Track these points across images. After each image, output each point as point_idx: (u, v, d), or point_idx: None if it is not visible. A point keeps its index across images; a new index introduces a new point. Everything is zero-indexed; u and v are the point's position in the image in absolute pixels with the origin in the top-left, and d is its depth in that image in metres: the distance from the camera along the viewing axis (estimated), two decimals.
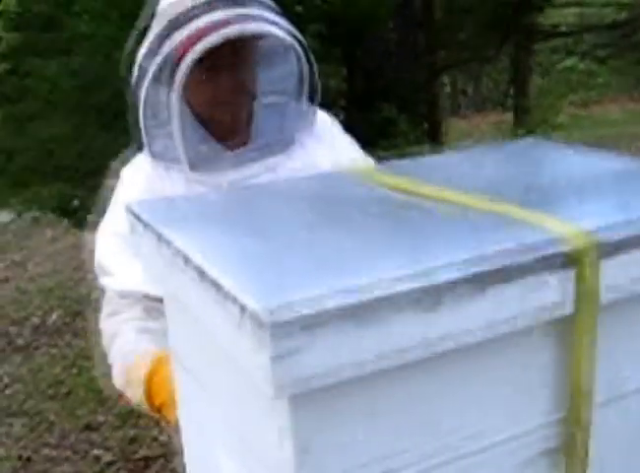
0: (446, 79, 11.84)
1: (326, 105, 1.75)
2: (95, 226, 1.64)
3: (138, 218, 1.00)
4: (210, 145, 1.62)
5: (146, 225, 0.97)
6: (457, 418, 0.79)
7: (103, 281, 1.55)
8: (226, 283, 0.71)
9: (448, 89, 13.79)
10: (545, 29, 5.83)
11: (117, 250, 1.48)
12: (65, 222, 4.91)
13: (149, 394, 1.40)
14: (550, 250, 0.75)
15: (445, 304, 0.69)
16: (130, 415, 3.73)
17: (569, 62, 12.64)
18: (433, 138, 5.11)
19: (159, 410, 1.41)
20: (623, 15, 6.62)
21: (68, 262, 6.05)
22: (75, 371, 4.30)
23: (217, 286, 0.72)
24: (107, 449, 3.49)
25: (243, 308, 0.66)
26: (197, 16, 1.46)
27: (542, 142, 1.26)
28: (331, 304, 0.64)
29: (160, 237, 0.91)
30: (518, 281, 0.73)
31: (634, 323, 0.87)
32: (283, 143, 1.65)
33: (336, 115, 1.93)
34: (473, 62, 6.44)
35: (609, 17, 9.96)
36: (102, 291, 1.59)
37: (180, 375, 1.09)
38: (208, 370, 0.93)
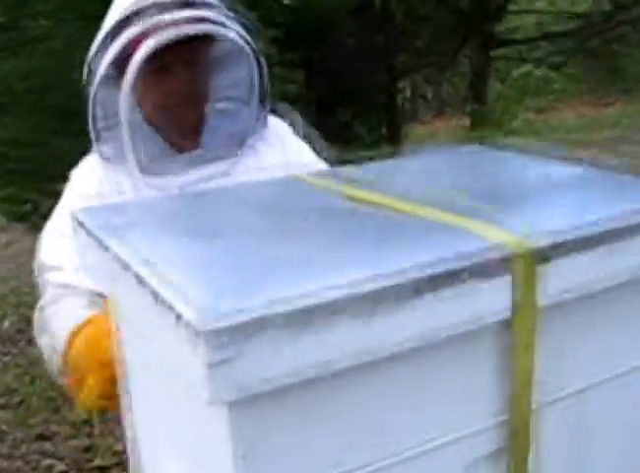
0: (407, 84, 11.92)
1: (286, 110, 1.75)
2: None
3: (81, 224, 0.99)
4: (160, 148, 1.60)
5: (88, 231, 0.96)
6: (400, 422, 0.79)
7: (46, 276, 1.51)
8: (164, 291, 0.71)
9: (408, 93, 13.89)
10: (502, 36, 5.91)
11: (63, 249, 1.44)
12: (20, 226, 4.84)
13: (67, 369, 1.33)
14: (485, 257, 0.76)
15: (380, 311, 0.70)
16: (84, 424, 3.68)
17: (525, 68, 12.81)
18: (392, 142, 5.14)
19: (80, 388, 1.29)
20: (577, 23, 6.74)
21: (23, 267, 5.95)
22: (28, 379, 4.23)
23: (154, 293, 0.72)
24: (60, 459, 3.44)
25: (179, 317, 0.66)
26: (147, 16, 1.46)
27: (487, 149, 1.28)
28: (265, 311, 0.65)
29: (100, 244, 0.90)
30: (452, 288, 0.74)
31: (573, 326, 0.89)
32: (234, 147, 1.65)
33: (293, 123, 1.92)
34: (432, 67, 6.49)
35: (565, 25, 10.13)
36: (42, 288, 1.55)
37: (126, 381, 1.08)
38: (150, 375, 0.93)
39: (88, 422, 3.71)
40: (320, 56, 4.50)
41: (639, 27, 5.88)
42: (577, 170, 1.12)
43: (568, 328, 0.88)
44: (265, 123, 1.69)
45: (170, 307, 0.68)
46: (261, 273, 0.74)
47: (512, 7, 5.64)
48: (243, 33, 1.55)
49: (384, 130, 5.29)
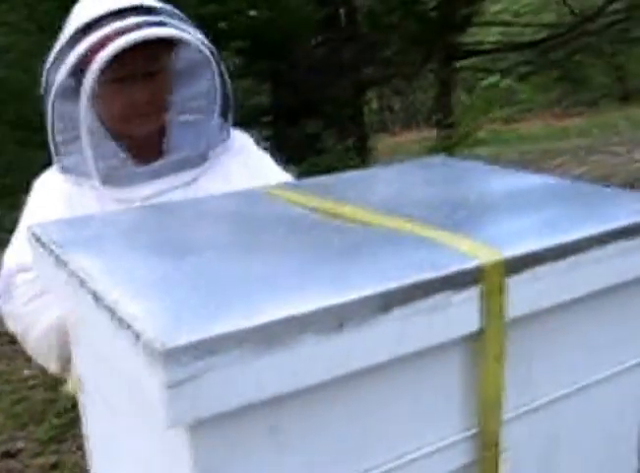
0: (373, 95, 11.95)
1: (250, 122, 1.73)
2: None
3: (37, 239, 0.96)
4: (121, 159, 1.57)
5: (44, 246, 0.93)
6: (370, 439, 0.77)
7: (24, 276, 1.45)
8: (121, 309, 0.68)
9: (375, 105, 13.92)
10: (468, 47, 5.94)
11: None
12: None
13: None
14: (455, 268, 0.75)
15: (347, 326, 0.68)
16: (51, 440, 3.60)
17: (492, 79, 12.91)
18: (360, 154, 5.13)
19: None
20: (543, 34, 6.79)
21: None
22: None
23: (111, 311, 0.69)
24: None
25: (137, 336, 0.63)
26: (104, 24, 1.43)
27: (453, 160, 1.27)
28: (228, 328, 0.62)
29: (57, 259, 0.87)
30: (422, 300, 0.72)
31: (541, 337, 0.87)
32: (197, 158, 1.62)
33: (259, 132, 1.90)
34: (399, 79, 6.50)
35: (531, 36, 10.22)
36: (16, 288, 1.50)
37: (86, 400, 1.05)
38: (106, 394, 0.90)
39: (55, 438, 3.64)
40: (287, 68, 4.48)
41: (604, 37, 5.95)
42: (546, 181, 1.11)
43: (536, 340, 0.87)
44: (228, 134, 1.66)
45: (128, 326, 0.65)
46: (224, 290, 0.71)
47: (478, 19, 5.67)
48: (204, 39, 1.53)
49: (351, 142, 5.29)
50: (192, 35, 1.49)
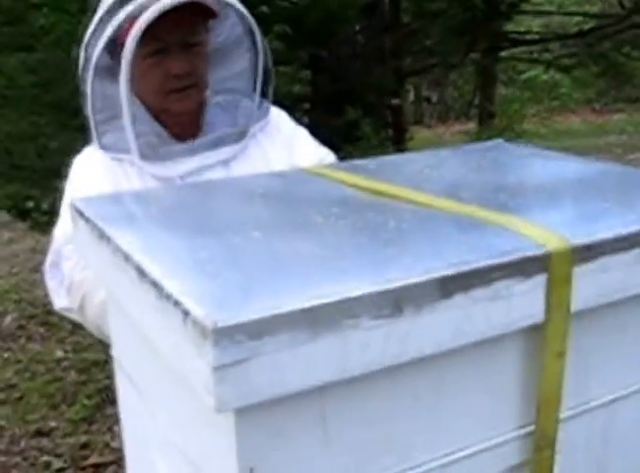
0: (410, 88, 11.87)
1: (290, 108, 1.70)
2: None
3: (80, 213, 0.93)
4: (160, 136, 1.54)
5: (87, 220, 0.90)
6: (419, 434, 0.73)
7: (68, 249, 1.42)
8: (168, 285, 0.64)
9: (412, 97, 13.84)
10: (512, 36, 5.84)
11: None
12: (22, 225, 4.77)
13: None
14: (521, 254, 0.70)
15: (405, 311, 0.63)
16: (82, 421, 3.62)
17: (532, 73, 12.74)
18: (397, 144, 5.07)
19: None
20: (589, 24, 6.66)
21: (24, 264, 5.91)
22: (28, 375, 4.18)
23: (157, 287, 0.66)
24: (58, 456, 3.38)
25: (186, 313, 0.60)
26: None
27: (507, 144, 1.22)
28: (282, 309, 0.58)
29: (101, 234, 0.84)
30: (485, 287, 0.68)
31: (604, 334, 0.82)
32: (235, 136, 1.59)
33: (299, 119, 1.87)
34: (438, 70, 6.42)
35: (575, 26, 10.04)
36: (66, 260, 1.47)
37: (122, 382, 1.02)
38: (147, 375, 0.87)
39: (86, 419, 3.67)
40: (327, 54, 4.44)
41: None
42: (608, 168, 1.06)
43: (597, 336, 0.82)
44: (267, 113, 1.63)
45: (176, 303, 0.61)
46: (274, 270, 0.68)
47: (523, 7, 5.57)
48: (245, 10, 1.49)
49: (390, 131, 5.23)
50: (234, 0, 1.46)
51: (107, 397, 3.55)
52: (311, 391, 0.62)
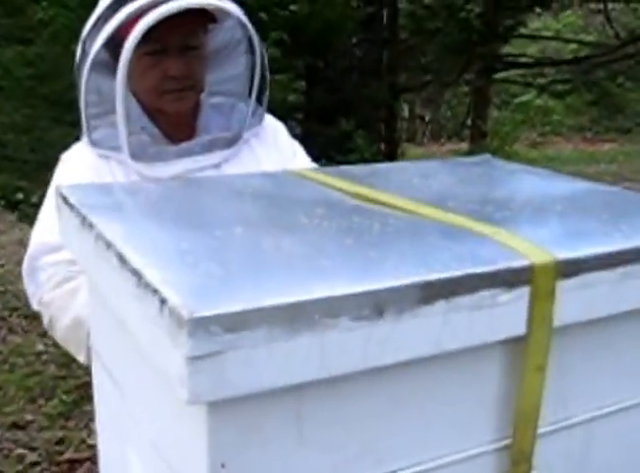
0: (405, 105, 11.91)
1: (283, 116, 1.69)
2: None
3: (65, 200, 0.92)
4: (153, 136, 1.53)
5: (72, 207, 0.89)
6: (395, 439, 0.72)
7: (48, 259, 1.42)
8: (148, 273, 0.64)
9: (406, 114, 13.88)
10: (507, 59, 5.87)
11: None
12: (10, 216, 4.75)
13: None
14: (504, 265, 0.70)
15: (387, 313, 0.63)
16: (60, 416, 3.60)
17: (525, 97, 12.81)
18: (389, 159, 5.08)
19: None
20: (584, 52, 6.71)
21: (11, 257, 5.87)
22: (7, 367, 4.16)
23: (137, 275, 0.65)
24: (33, 449, 3.35)
25: (163, 301, 0.59)
26: None
27: (495, 159, 1.22)
28: (260, 304, 0.58)
29: (83, 221, 0.83)
30: (467, 295, 0.67)
31: (587, 351, 0.82)
32: (228, 140, 1.58)
33: (291, 128, 1.87)
34: (432, 88, 6.44)
35: (570, 53, 10.10)
36: (41, 271, 1.46)
37: (99, 373, 1.01)
38: (123, 366, 0.86)
39: (63, 414, 3.64)
40: (324, 65, 4.44)
41: None
42: (594, 187, 1.06)
43: (579, 352, 0.82)
44: (261, 119, 1.63)
45: (155, 291, 0.61)
46: (257, 266, 0.67)
47: (520, 31, 5.61)
48: (245, 17, 1.49)
49: (382, 146, 5.24)
50: (233, 6, 1.46)
51: (86, 393, 3.52)
52: (287, 389, 0.61)
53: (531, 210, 0.93)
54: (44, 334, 4.65)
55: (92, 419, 3.58)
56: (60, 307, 1.37)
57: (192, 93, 1.54)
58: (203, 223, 0.83)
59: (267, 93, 1.60)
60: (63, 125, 3.75)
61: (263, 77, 1.58)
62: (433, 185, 1.03)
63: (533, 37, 6.88)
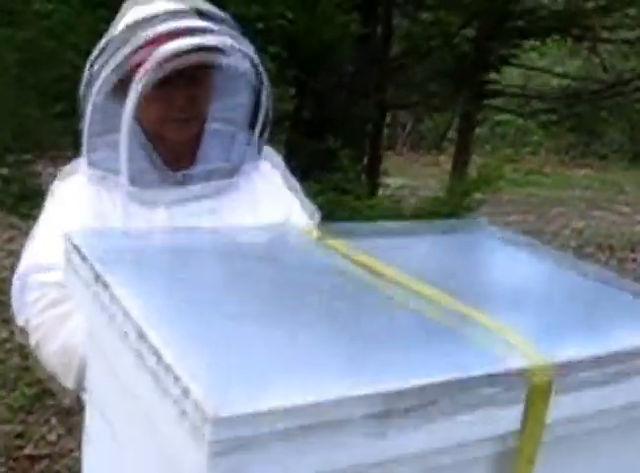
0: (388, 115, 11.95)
1: (273, 125, 1.71)
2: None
3: (76, 248, 0.94)
4: (153, 162, 1.55)
5: (84, 259, 0.91)
6: None
7: (38, 277, 1.43)
8: (169, 356, 0.66)
9: (388, 119, 13.93)
10: (497, 87, 5.94)
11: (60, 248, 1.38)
12: None
13: None
14: (505, 367, 0.73)
15: (393, 426, 0.66)
16: (20, 409, 3.58)
17: (508, 116, 12.95)
18: (371, 175, 5.12)
19: None
20: (571, 84, 6.81)
21: None
22: None
23: (157, 355, 0.67)
24: None
25: (186, 391, 0.61)
26: (159, 23, 1.41)
27: (490, 228, 1.25)
28: (279, 403, 0.60)
29: (97, 277, 0.85)
30: (468, 395, 0.71)
31: (574, 449, 0.86)
32: (227, 171, 1.60)
33: (277, 140, 1.89)
34: (420, 108, 6.49)
35: (555, 83, 10.22)
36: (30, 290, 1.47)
37: (95, 420, 1.02)
38: (128, 431, 0.87)
39: (24, 407, 3.62)
40: (315, 80, 4.46)
41: (634, 100, 5.94)
42: (592, 279, 1.10)
43: (569, 450, 0.85)
44: (261, 152, 1.65)
45: (176, 379, 0.63)
46: (273, 358, 0.69)
47: (513, 60, 5.68)
48: (255, 54, 1.51)
49: (365, 161, 5.27)
50: (247, 47, 1.48)
51: (49, 388, 3.51)
52: None
53: (531, 299, 0.97)
54: (9, 321, 4.60)
55: (53, 414, 3.58)
56: (48, 333, 1.38)
57: (195, 123, 1.56)
58: (218, 296, 0.85)
59: (269, 128, 1.63)
60: (48, 115, 3.73)
61: (267, 113, 1.60)
62: (437, 260, 1.06)
63: (522, 67, 6.96)
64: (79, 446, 1.13)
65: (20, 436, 3.43)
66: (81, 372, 1.30)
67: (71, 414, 3.50)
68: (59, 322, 1.36)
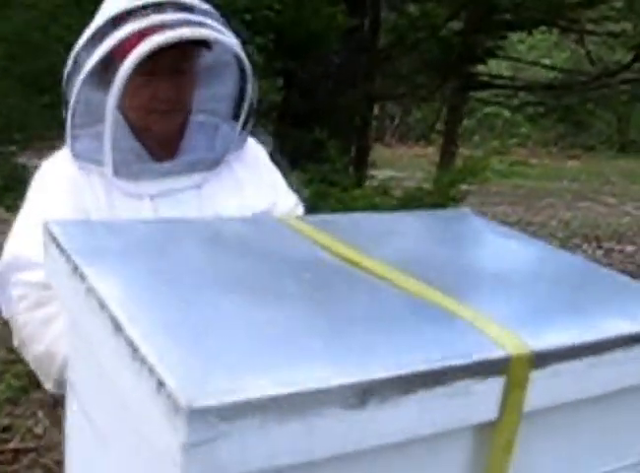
0: (376, 106, 11.95)
1: (259, 116, 1.71)
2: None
3: (54, 240, 0.93)
4: (137, 153, 1.55)
5: (62, 251, 0.90)
6: None
7: (22, 276, 1.42)
8: (145, 348, 0.66)
9: (375, 111, 13.96)
10: (484, 79, 5.95)
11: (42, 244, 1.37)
12: None
13: None
14: (483, 356, 0.73)
15: (371, 402, 0.66)
16: (7, 402, 3.56)
17: (494, 108, 12.97)
18: (358, 167, 5.12)
19: None
20: (558, 76, 6.83)
21: None
22: None
23: (133, 347, 0.67)
24: None
25: (161, 383, 0.61)
26: (142, 15, 1.40)
27: (474, 218, 1.25)
28: (254, 394, 0.60)
29: (75, 270, 0.85)
30: (446, 385, 0.71)
31: (551, 435, 0.86)
32: (210, 162, 1.60)
33: (264, 131, 1.89)
34: (407, 100, 6.49)
35: (542, 75, 10.24)
36: (13, 286, 1.46)
37: (75, 409, 1.02)
38: (108, 421, 0.87)
39: (10, 399, 3.60)
40: (302, 71, 4.46)
41: (621, 92, 5.98)
42: (574, 261, 1.10)
43: (547, 436, 0.86)
44: (244, 142, 1.65)
45: (151, 370, 0.63)
46: (250, 346, 0.69)
47: (499, 52, 5.69)
48: (240, 45, 1.51)
49: (353, 151, 5.27)
50: (230, 39, 1.48)
51: (35, 380, 3.48)
52: (271, 471, 0.64)
53: (508, 286, 0.96)
54: None
55: (39, 407, 3.56)
56: (32, 336, 1.38)
57: (179, 114, 1.56)
58: (195, 284, 0.85)
59: (252, 119, 1.63)
60: (33, 107, 3.71)
61: (251, 103, 1.60)
62: (416, 250, 1.06)
63: (508, 59, 6.97)
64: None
65: (6, 429, 3.41)
66: (60, 377, 1.31)
67: (58, 407, 3.49)
68: (44, 326, 1.36)
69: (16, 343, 1.43)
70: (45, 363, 1.36)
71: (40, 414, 3.54)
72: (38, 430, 3.41)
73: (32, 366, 1.41)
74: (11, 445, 3.29)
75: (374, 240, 1.06)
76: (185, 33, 1.39)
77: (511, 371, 0.75)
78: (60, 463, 3.14)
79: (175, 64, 1.47)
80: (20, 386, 3.71)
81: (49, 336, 1.35)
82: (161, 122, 1.53)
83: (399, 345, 0.73)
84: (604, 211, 9.52)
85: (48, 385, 1.39)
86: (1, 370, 3.86)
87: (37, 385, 3.63)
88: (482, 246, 1.14)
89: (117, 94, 1.39)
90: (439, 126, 13.62)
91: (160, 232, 1.02)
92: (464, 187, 3.59)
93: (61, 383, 1.31)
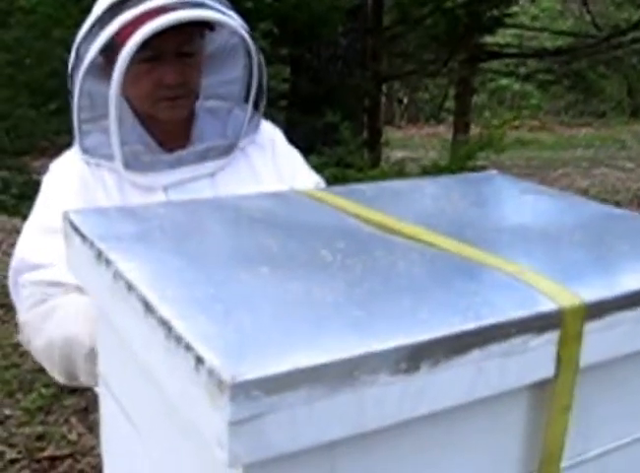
0: (384, 88, 11.89)
1: (268, 104, 1.67)
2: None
3: (76, 229, 0.90)
4: (147, 144, 1.51)
5: (84, 238, 0.87)
6: None
7: (29, 277, 1.40)
8: (179, 325, 0.62)
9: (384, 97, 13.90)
10: (491, 49, 5.88)
11: (51, 246, 1.34)
12: None
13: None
14: (536, 310, 0.69)
15: (423, 366, 0.62)
16: (39, 410, 3.56)
17: (504, 81, 12.87)
18: (372, 148, 5.07)
19: None
20: (566, 42, 6.72)
21: None
22: None
23: (167, 326, 0.63)
24: (12, 446, 3.30)
25: (199, 360, 0.57)
26: (141, 1, 1.36)
27: (501, 178, 1.21)
28: (300, 364, 0.56)
29: (99, 255, 0.81)
30: (500, 343, 0.66)
31: (606, 388, 0.82)
32: (224, 148, 1.56)
33: (275, 120, 1.85)
34: (416, 77, 6.43)
35: (549, 42, 10.13)
36: (22, 287, 1.44)
37: (109, 404, 0.99)
38: (145, 412, 0.84)
39: (42, 408, 3.60)
40: (309, 54, 4.42)
41: (630, 52, 5.89)
42: (606, 211, 1.06)
43: (599, 389, 0.82)
44: (258, 126, 1.61)
45: (188, 347, 0.59)
46: (289, 316, 0.65)
47: (506, 21, 5.61)
48: (245, 26, 1.47)
49: (365, 133, 5.23)
50: (234, 20, 1.44)
51: (65, 387, 3.49)
52: (322, 446, 0.60)
53: (547, 240, 0.92)
54: None
55: (72, 413, 3.56)
56: (34, 330, 1.35)
57: (187, 101, 1.52)
58: (224, 260, 0.81)
59: (264, 100, 1.58)
60: (42, 113, 3.69)
61: (260, 84, 1.56)
62: (447, 211, 1.02)
63: (515, 27, 6.88)
64: (100, 444, 1.10)
65: (40, 437, 3.41)
66: (65, 365, 1.29)
67: (90, 412, 3.49)
68: (43, 319, 1.34)
69: (24, 341, 1.41)
70: (47, 353, 1.33)
71: (74, 420, 3.54)
72: (72, 436, 3.40)
73: (39, 360, 1.39)
74: (46, 453, 3.28)
75: (404, 205, 1.02)
76: (184, 14, 1.35)
77: (566, 324, 0.71)
78: (96, 467, 3.15)
79: (178, 48, 1.43)
80: (51, 394, 3.71)
81: (49, 326, 1.32)
82: (169, 110, 1.49)
83: (447, 305, 0.69)
84: (622, 176, 9.41)
85: (57, 376, 1.36)
86: (30, 379, 3.86)
87: (69, 392, 3.63)
88: (516, 204, 1.10)
89: (119, 81, 1.35)
90: (448, 105, 13.54)
91: (181, 213, 0.98)
92: (480, 161, 3.53)
93: (69, 373, 1.30)
